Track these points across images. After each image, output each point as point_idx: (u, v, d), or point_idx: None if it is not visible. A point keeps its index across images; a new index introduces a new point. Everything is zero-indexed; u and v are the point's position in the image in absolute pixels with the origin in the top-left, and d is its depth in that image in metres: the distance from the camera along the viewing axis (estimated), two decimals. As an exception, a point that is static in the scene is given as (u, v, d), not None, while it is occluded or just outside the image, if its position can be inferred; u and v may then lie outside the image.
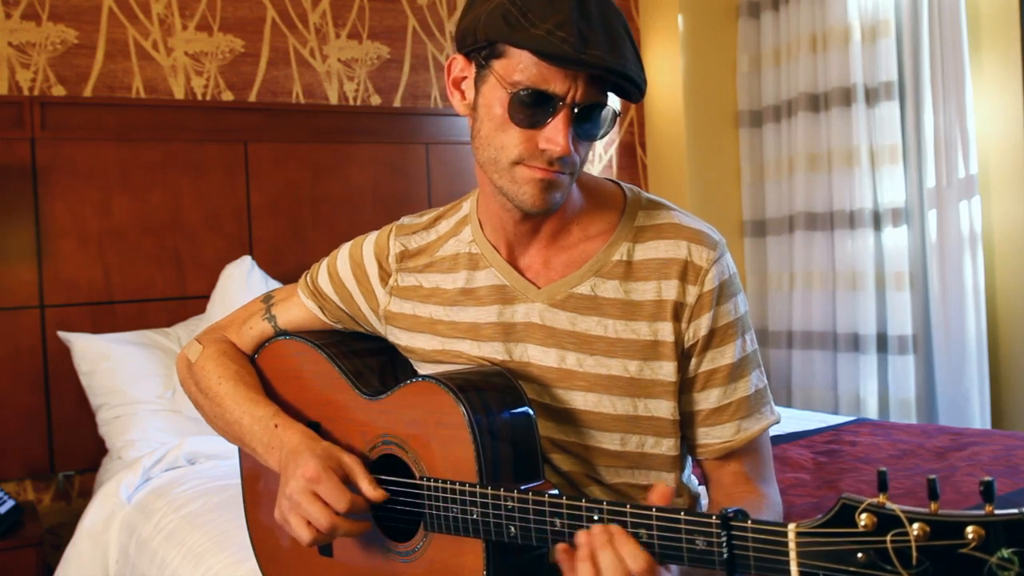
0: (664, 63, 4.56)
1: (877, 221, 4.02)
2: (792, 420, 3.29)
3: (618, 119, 1.32)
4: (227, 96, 3.70)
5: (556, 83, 1.22)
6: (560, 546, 1.14)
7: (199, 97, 3.65)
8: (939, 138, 3.79)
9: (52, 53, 3.40)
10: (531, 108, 1.24)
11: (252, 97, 3.75)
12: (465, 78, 1.33)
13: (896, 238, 3.93)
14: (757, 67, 4.54)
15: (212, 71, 3.67)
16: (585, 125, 1.26)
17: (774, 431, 2.97)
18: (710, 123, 4.55)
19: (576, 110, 1.24)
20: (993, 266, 3.84)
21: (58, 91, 3.40)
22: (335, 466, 1.32)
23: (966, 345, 3.72)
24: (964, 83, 3.70)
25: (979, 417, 3.70)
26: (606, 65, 1.20)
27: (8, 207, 3.26)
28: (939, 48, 3.78)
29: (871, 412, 3.95)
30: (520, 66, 1.23)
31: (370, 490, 1.31)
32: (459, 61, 1.34)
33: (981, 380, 3.72)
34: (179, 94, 3.61)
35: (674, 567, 1.13)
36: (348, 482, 1.32)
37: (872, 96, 3.99)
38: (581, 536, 1.11)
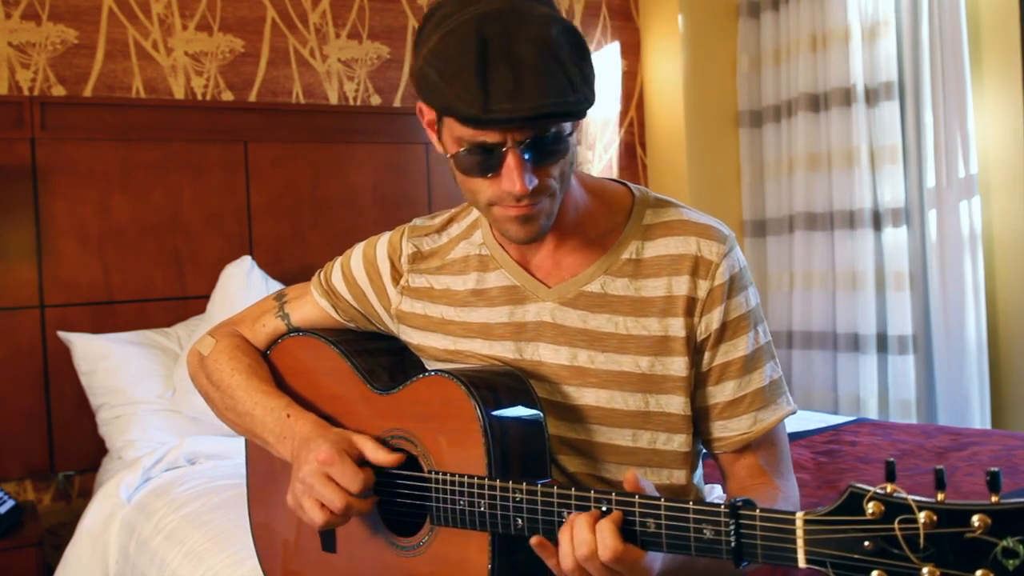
0: (664, 63, 4.57)
1: (877, 221, 4.02)
2: (792, 420, 3.27)
3: (579, 126, 1.29)
4: (227, 96, 3.70)
5: (490, 135, 1.21)
6: (535, 539, 1.17)
7: (199, 97, 3.65)
8: (939, 138, 3.79)
9: (52, 53, 3.40)
10: (479, 159, 1.24)
11: (252, 97, 3.75)
12: (434, 120, 1.33)
13: (896, 238, 3.93)
14: (757, 67, 4.55)
15: (212, 71, 3.67)
16: (543, 152, 1.24)
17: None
18: (710, 123, 4.55)
19: (523, 148, 1.22)
20: (993, 266, 3.84)
21: (58, 91, 3.40)
22: (348, 447, 1.34)
23: (966, 345, 3.72)
24: (964, 83, 3.70)
25: (979, 417, 3.70)
26: (517, 116, 1.17)
27: (8, 207, 3.26)
28: (939, 48, 3.78)
29: (871, 412, 3.95)
30: (456, 124, 1.23)
31: (384, 456, 1.33)
32: (422, 106, 1.34)
33: (981, 380, 3.72)
34: (179, 94, 3.61)
35: (656, 555, 1.14)
36: (362, 463, 1.33)
37: (872, 96, 3.99)
38: (574, 516, 1.14)
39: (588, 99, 1.22)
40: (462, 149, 1.24)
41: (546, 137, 1.23)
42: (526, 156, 1.23)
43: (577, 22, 4.49)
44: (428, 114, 1.33)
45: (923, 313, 3.95)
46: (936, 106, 3.80)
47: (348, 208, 3.83)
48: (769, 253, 4.50)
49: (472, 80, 1.16)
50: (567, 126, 1.26)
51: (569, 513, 1.15)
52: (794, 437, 2.98)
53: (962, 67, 3.70)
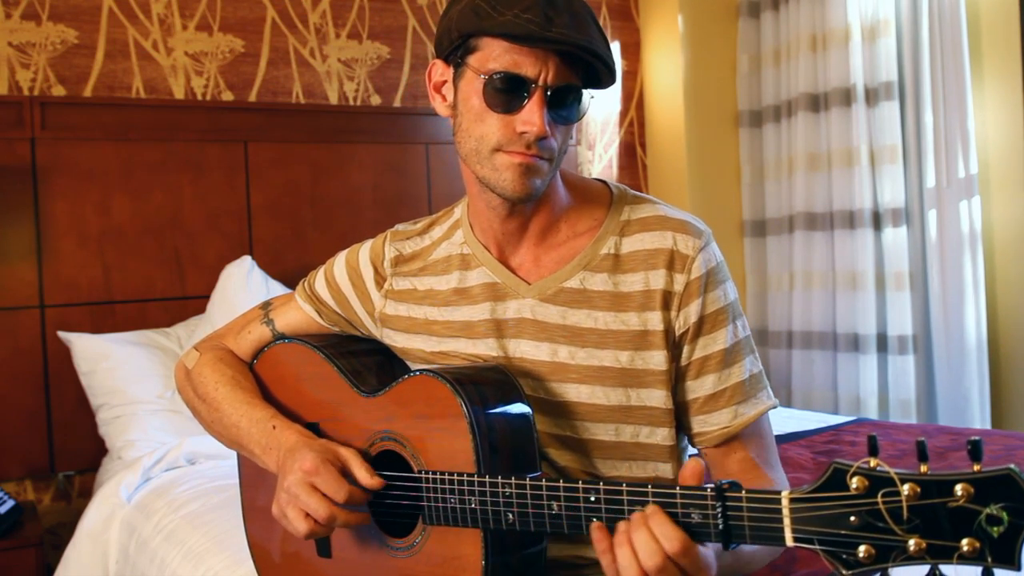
0: (664, 63, 4.57)
1: (877, 221, 4.02)
2: (792, 420, 3.29)
3: (590, 102, 1.35)
4: (227, 96, 3.71)
5: (527, 66, 1.26)
6: (596, 523, 1.13)
7: (199, 97, 3.65)
8: (939, 138, 3.79)
9: (52, 53, 3.41)
10: (506, 93, 1.28)
11: (252, 97, 3.75)
12: (445, 82, 1.38)
13: (896, 238, 3.93)
14: (757, 67, 4.55)
15: (212, 71, 3.68)
16: (560, 110, 1.30)
17: (774, 431, 2.99)
18: (710, 123, 4.56)
19: (549, 92, 1.27)
20: (993, 266, 3.84)
21: (58, 91, 3.41)
22: (332, 459, 1.34)
23: (966, 345, 3.72)
24: (964, 83, 3.70)
25: (979, 417, 3.69)
26: (573, 41, 1.24)
27: (8, 207, 3.26)
28: (939, 48, 3.78)
29: (871, 412, 3.95)
30: (493, 55, 1.28)
31: (367, 477, 1.32)
32: (438, 66, 1.39)
33: (981, 380, 3.71)
34: (179, 94, 3.62)
35: (711, 545, 1.10)
36: (346, 474, 1.33)
37: (872, 96, 3.99)
38: (621, 524, 1.10)
39: (614, 72, 1.32)
40: (493, 75, 1.28)
41: (571, 89, 1.29)
42: (548, 106, 1.28)
43: (577, 23, 4.49)
44: (444, 72, 1.38)
45: (923, 313, 3.94)
46: (936, 106, 3.80)
47: (348, 208, 3.83)
48: (769, 253, 4.50)
49: (536, 6, 1.24)
50: (587, 97, 1.32)
51: (558, 504, 1.15)
52: (794, 437, 2.97)
53: (962, 67, 3.70)
